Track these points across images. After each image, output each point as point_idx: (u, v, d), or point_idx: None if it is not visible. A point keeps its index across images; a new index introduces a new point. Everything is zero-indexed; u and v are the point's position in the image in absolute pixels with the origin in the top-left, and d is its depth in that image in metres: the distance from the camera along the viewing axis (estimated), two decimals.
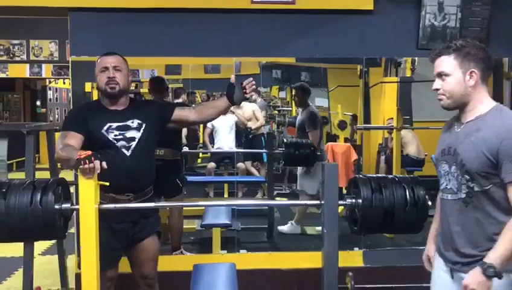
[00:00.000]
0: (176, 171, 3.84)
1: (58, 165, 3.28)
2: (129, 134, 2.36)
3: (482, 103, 1.76)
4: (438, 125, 2.19)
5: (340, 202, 2.09)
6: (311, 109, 4.72)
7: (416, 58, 4.62)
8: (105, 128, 2.35)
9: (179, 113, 2.51)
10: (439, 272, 1.90)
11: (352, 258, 3.22)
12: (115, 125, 2.36)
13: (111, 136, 2.34)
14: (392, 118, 4.47)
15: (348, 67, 4.86)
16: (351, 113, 5.48)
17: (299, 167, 4.72)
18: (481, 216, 1.73)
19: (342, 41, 3.20)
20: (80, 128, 2.32)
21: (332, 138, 5.71)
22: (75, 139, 2.27)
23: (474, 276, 1.64)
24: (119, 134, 2.35)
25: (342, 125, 5.51)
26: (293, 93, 5.04)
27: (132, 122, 2.39)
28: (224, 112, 2.59)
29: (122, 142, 2.34)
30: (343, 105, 5.81)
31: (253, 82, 2.42)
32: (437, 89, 1.80)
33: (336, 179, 1.99)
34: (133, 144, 2.36)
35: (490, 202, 1.71)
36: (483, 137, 1.70)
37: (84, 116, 2.39)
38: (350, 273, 2.77)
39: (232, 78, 2.47)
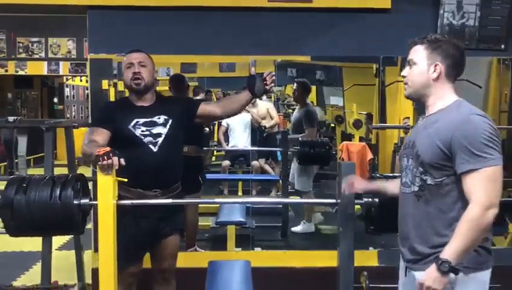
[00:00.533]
0: (198, 169, 3.86)
1: (76, 161, 3.32)
2: (156, 130, 2.39)
3: (443, 99, 1.74)
4: None
5: (356, 201, 2.09)
6: (309, 108, 4.89)
7: None
8: (132, 124, 2.38)
9: (204, 108, 2.55)
10: (401, 268, 1.89)
11: (367, 257, 3.20)
12: (141, 121, 2.40)
13: (138, 132, 2.37)
14: (408, 117, 4.44)
15: (363, 66, 4.84)
16: (366, 112, 5.45)
17: (292, 165, 4.74)
18: (432, 211, 1.70)
19: (359, 40, 3.18)
20: (107, 124, 2.37)
21: (348, 137, 5.68)
22: (101, 135, 2.32)
23: (429, 273, 1.61)
24: (146, 130, 2.38)
25: (357, 124, 5.48)
26: (294, 87, 5.11)
27: (159, 118, 2.42)
28: (247, 104, 2.61)
29: (149, 138, 2.38)
30: (358, 104, 5.78)
31: (273, 73, 2.45)
32: (403, 76, 1.81)
33: (352, 178, 1.99)
34: (160, 140, 2.39)
35: (441, 196, 1.67)
36: (438, 128, 1.68)
37: (112, 112, 2.45)
38: (365, 273, 2.77)
39: (252, 70, 2.50)
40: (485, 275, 1.68)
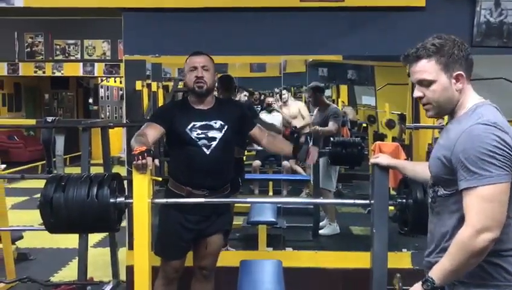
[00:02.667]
0: (239, 169, 3.88)
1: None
2: (211, 134, 2.48)
3: (464, 105, 1.55)
4: None
5: (390, 202, 2.07)
6: (335, 106, 5.05)
7: None
8: (189, 127, 2.47)
9: (255, 133, 2.64)
10: None
11: (400, 259, 3.16)
12: (198, 124, 2.48)
13: (194, 135, 2.46)
14: (443, 118, 4.34)
15: (396, 65, 4.74)
16: (399, 112, 5.37)
17: (321, 165, 4.72)
18: (440, 225, 1.58)
19: (392, 39, 3.14)
20: (163, 122, 2.47)
21: (380, 137, 5.60)
22: (154, 130, 2.44)
23: (415, 287, 1.54)
24: (202, 133, 2.47)
25: (390, 124, 5.39)
26: (308, 94, 5.15)
27: (215, 123, 2.50)
28: (286, 157, 2.76)
29: (204, 141, 2.46)
30: (391, 103, 5.69)
31: (316, 155, 2.60)
32: (420, 98, 1.59)
33: (386, 179, 1.98)
34: (214, 143, 2.47)
35: (449, 212, 1.54)
36: (445, 139, 1.54)
37: (171, 113, 2.54)
38: (398, 275, 2.71)
39: (302, 139, 2.69)
40: None
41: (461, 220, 1.47)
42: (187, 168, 2.45)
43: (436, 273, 1.50)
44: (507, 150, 1.41)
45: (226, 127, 2.51)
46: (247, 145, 3.97)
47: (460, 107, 1.56)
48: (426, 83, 1.55)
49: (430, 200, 1.66)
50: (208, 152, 2.46)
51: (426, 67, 1.54)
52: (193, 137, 2.45)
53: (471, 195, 1.43)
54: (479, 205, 1.42)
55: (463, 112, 1.54)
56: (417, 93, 1.59)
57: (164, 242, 2.53)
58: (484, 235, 1.40)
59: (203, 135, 2.46)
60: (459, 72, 1.53)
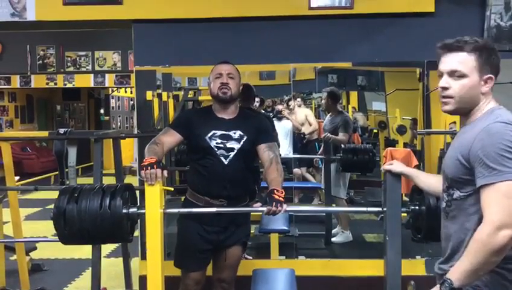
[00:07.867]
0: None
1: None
2: (229, 144, 2.46)
3: (481, 109, 1.56)
4: None
5: (403, 209, 2.05)
6: (346, 115, 5.01)
7: None
8: (209, 135, 2.46)
9: (261, 150, 2.47)
10: None
11: (414, 266, 3.13)
12: (218, 133, 2.47)
13: (213, 144, 2.45)
14: (455, 122, 4.31)
15: (406, 70, 4.74)
16: (411, 118, 5.34)
17: (332, 172, 4.69)
18: (457, 229, 1.55)
19: (402, 45, 3.15)
20: (182, 130, 2.48)
21: (391, 143, 5.57)
22: (172, 137, 2.46)
23: None
24: (221, 142, 2.46)
25: (401, 129, 5.36)
26: (323, 97, 5.14)
27: (234, 133, 2.48)
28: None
29: (222, 151, 2.45)
30: (401, 109, 5.67)
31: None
32: (445, 88, 1.57)
33: (398, 186, 1.97)
34: (232, 154, 2.45)
35: (467, 214, 1.52)
36: (462, 140, 1.54)
37: (191, 120, 2.53)
38: (412, 282, 2.69)
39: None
40: None
41: (481, 222, 1.44)
42: (205, 177, 2.43)
43: (454, 274, 1.46)
44: None
45: (245, 138, 2.48)
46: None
47: (477, 110, 1.57)
48: (458, 75, 1.55)
49: (444, 205, 1.63)
50: (226, 162, 2.44)
51: (465, 60, 1.54)
52: (212, 146, 2.44)
53: (490, 191, 1.42)
54: (498, 201, 1.40)
55: (479, 116, 1.56)
56: (443, 83, 1.57)
57: (183, 254, 2.51)
58: (504, 231, 1.38)
59: (221, 145, 2.45)
60: (490, 76, 1.55)
